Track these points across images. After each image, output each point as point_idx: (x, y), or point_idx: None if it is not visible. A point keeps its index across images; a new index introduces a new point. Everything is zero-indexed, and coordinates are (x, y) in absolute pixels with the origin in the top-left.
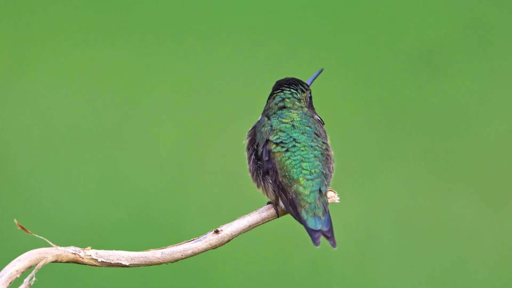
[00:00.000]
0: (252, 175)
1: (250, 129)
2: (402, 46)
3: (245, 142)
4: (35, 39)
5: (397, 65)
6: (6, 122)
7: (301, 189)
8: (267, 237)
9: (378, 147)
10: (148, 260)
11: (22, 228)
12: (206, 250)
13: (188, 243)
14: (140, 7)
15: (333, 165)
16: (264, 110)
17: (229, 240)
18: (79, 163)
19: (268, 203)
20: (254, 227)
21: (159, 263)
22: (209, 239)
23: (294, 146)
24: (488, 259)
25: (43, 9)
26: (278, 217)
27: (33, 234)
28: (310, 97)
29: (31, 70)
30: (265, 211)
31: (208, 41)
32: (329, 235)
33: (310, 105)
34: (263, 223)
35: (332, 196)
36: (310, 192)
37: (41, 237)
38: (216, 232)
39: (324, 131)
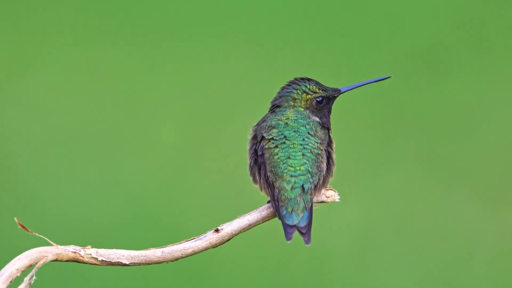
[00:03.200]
0: (250, 171)
1: (255, 124)
2: (402, 46)
3: (249, 136)
4: (35, 39)
5: (396, 65)
6: (6, 122)
7: (284, 184)
8: (267, 236)
9: (377, 148)
10: (148, 259)
11: (23, 227)
12: (206, 249)
13: (188, 242)
14: (140, 7)
15: (333, 168)
16: (273, 104)
17: (229, 239)
18: (79, 162)
19: (268, 202)
20: (254, 226)
21: (159, 262)
22: (209, 238)
23: (284, 143)
24: (487, 259)
25: (43, 9)
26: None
27: (34, 233)
28: (319, 101)
29: (31, 70)
30: (265, 210)
31: (208, 41)
32: (304, 231)
33: (317, 108)
34: (263, 222)
35: (333, 195)
36: (292, 188)
37: (41, 236)
38: (216, 231)
39: (325, 134)
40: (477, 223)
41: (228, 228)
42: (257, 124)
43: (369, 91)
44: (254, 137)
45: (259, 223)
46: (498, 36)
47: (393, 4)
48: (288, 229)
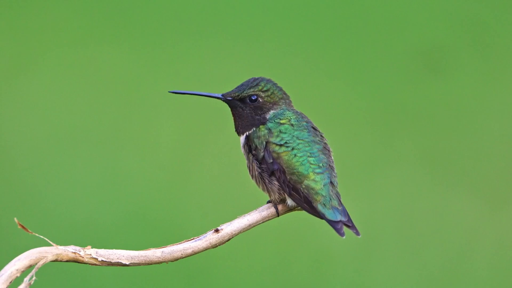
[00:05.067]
0: (256, 180)
1: (242, 140)
2: (402, 46)
3: (243, 150)
4: (35, 39)
5: (396, 65)
6: (6, 122)
7: (313, 184)
8: (267, 236)
9: (377, 147)
10: (148, 259)
11: (23, 227)
12: (206, 249)
13: (188, 242)
14: (140, 7)
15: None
16: (255, 118)
17: (229, 239)
18: (79, 162)
19: (268, 202)
20: (254, 226)
21: (159, 262)
22: (209, 238)
23: (298, 144)
24: (487, 259)
25: (43, 9)
26: (278, 216)
27: (33, 233)
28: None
29: (31, 70)
30: (265, 210)
31: (207, 40)
32: (350, 224)
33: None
34: (263, 222)
35: None
36: (323, 185)
37: (41, 236)
38: (216, 231)
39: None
40: (477, 223)
41: (228, 228)
42: (246, 138)
43: (369, 90)
44: (249, 149)
45: (259, 223)
46: (498, 36)
47: (393, 4)
48: (336, 225)
